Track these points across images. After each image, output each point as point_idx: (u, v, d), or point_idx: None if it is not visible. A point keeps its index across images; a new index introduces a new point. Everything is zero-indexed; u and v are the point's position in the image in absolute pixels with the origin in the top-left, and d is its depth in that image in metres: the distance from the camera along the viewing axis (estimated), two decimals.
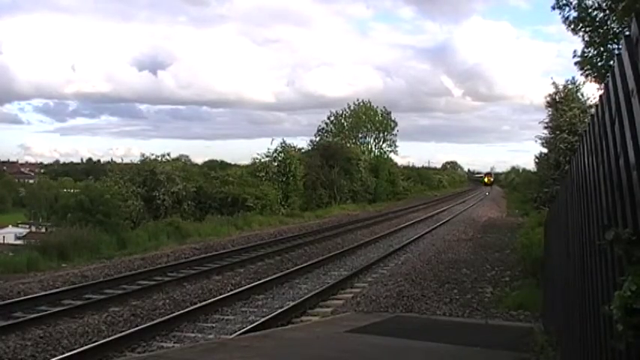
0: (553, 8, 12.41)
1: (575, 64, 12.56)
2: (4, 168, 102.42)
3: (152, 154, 28.30)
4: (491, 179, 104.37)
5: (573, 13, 12.08)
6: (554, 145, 24.64)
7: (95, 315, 9.25)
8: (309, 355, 6.36)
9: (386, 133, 55.29)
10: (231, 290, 11.07)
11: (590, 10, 11.74)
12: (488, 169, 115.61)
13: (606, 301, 2.13)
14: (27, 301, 9.91)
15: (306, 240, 19.50)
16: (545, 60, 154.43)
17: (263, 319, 8.72)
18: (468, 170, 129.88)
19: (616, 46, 10.71)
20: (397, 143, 55.85)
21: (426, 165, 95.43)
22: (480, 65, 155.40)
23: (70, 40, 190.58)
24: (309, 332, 7.68)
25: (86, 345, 7.48)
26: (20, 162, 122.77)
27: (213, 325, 8.87)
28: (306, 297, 10.33)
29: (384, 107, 56.29)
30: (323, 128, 52.09)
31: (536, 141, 28.86)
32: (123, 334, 7.92)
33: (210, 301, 10.03)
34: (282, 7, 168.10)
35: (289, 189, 32.23)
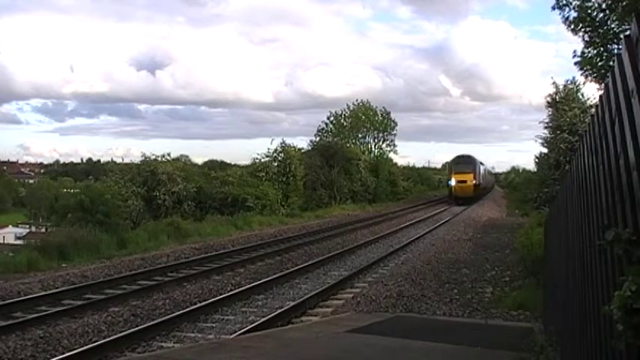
0: (553, 8, 12.42)
1: (575, 64, 12.57)
2: (4, 168, 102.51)
3: (152, 154, 28.38)
4: (475, 182, 43.12)
5: (573, 14, 12.08)
6: (554, 145, 24.67)
7: (95, 315, 9.25)
8: (309, 355, 6.36)
9: (386, 133, 55.28)
10: (231, 290, 11.06)
11: (590, 11, 11.74)
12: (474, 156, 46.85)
13: (606, 301, 2.13)
14: (27, 301, 9.91)
15: (306, 240, 19.50)
16: (544, 60, 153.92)
17: (263, 319, 8.72)
18: None
19: (616, 46, 10.71)
20: (396, 143, 55.81)
21: (426, 165, 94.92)
22: (478, 65, 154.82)
23: (68, 40, 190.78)
24: (309, 332, 7.69)
25: (86, 345, 7.48)
26: (20, 162, 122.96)
27: (213, 325, 8.87)
28: (306, 297, 10.33)
29: (383, 107, 56.40)
30: (323, 128, 52.08)
31: (536, 141, 28.91)
32: (123, 334, 7.91)
33: (210, 301, 10.03)
34: (279, 6, 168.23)
35: (289, 189, 32.24)
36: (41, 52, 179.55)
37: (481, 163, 46.95)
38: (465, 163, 43.72)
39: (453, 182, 42.98)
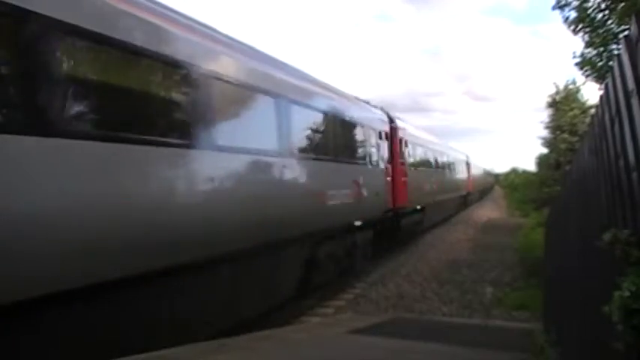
0: (553, 8, 12.42)
1: (576, 64, 12.57)
2: None
3: None
4: None
5: (573, 14, 12.07)
6: (554, 146, 24.74)
7: None
8: (309, 355, 6.35)
9: None
10: None
11: (589, 12, 11.73)
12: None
13: (606, 301, 2.13)
14: None
15: None
16: (544, 60, 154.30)
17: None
18: None
19: (615, 47, 10.71)
20: None
21: None
22: (477, 65, 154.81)
23: None
24: (309, 333, 7.68)
25: None
26: None
27: None
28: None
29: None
30: None
31: (536, 141, 29.01)
32: None
33: None
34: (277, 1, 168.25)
35: None
36: None
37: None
38: None
39: None
